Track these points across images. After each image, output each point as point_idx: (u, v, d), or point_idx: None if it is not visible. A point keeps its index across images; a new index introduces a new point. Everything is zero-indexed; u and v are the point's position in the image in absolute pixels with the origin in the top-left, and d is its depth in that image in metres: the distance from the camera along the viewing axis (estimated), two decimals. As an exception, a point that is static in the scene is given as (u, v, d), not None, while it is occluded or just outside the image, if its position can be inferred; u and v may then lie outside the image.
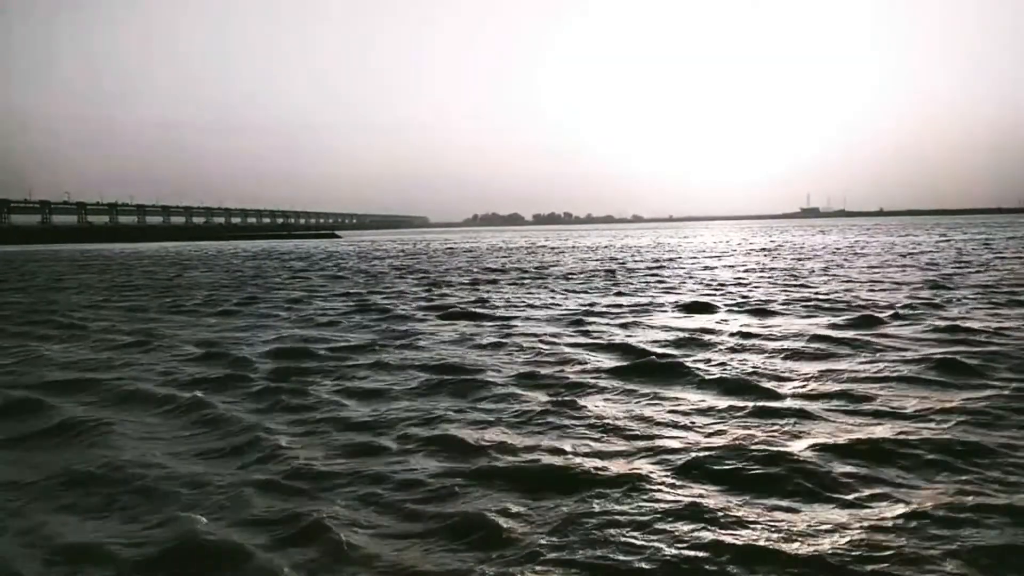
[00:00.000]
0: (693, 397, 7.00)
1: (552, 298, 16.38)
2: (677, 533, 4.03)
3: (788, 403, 6.59)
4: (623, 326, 11.64)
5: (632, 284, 19.49)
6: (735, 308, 13.54)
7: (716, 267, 25.78)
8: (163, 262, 41.61)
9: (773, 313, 12.73)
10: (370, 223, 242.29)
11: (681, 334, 10.56)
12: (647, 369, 8.20)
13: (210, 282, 24.42)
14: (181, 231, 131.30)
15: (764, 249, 39.10)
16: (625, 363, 8.54)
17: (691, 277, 21.46)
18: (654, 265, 27.71)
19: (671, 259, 31.92)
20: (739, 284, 18.63)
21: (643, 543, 3.93)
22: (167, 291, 21.18)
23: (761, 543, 3.88)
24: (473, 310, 14.27)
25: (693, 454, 5.29)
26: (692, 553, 3.80)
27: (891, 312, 12.12)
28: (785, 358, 8.69)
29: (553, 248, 49.41)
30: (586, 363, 8.67)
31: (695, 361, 8.59)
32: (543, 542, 4.00)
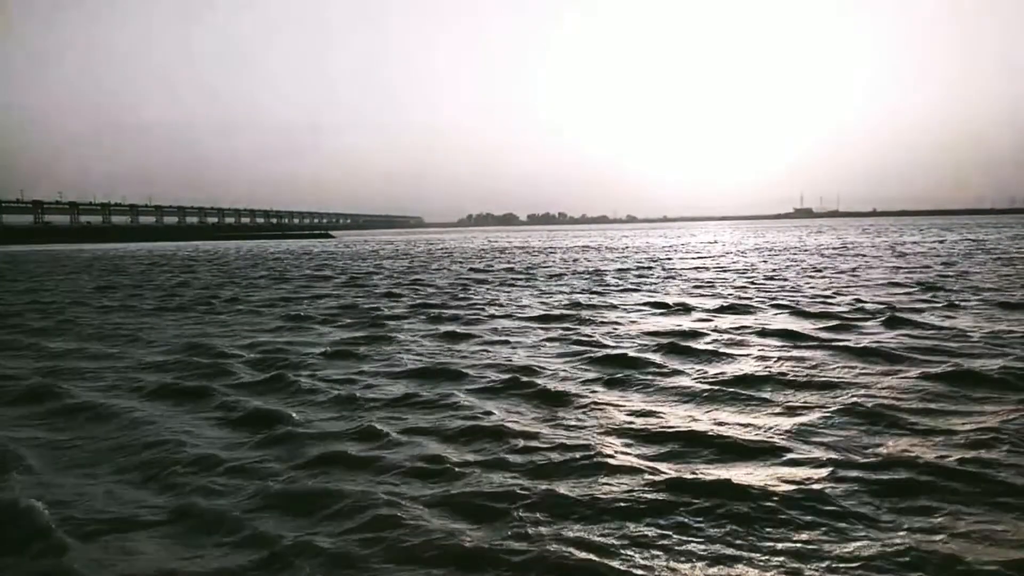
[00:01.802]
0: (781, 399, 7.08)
1: (582, 299, 16.40)
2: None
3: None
4: (670, 325, 11.72)
5: (656, 284, 19.57)
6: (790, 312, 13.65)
7: (751, 269, 25.88)
8: (168, 263, 41.31)
9: (826, 315, 12.85)
10: (364, 223, 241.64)
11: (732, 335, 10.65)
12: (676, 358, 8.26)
13: (226, 283, 24.32)
14: (174, 231, 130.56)
15: (771, 249, 39.26)
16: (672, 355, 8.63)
17: (748, 281, 21.52)
18: (668, 266, 27.81)
19: (677, 259, 32.03)
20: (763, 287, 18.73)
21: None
22: (170, 295, 21.05)
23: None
24: (499, 312, 14.33)
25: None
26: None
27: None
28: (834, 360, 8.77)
29: (551, 250, 49.33)
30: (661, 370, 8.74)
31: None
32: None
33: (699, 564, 3.79)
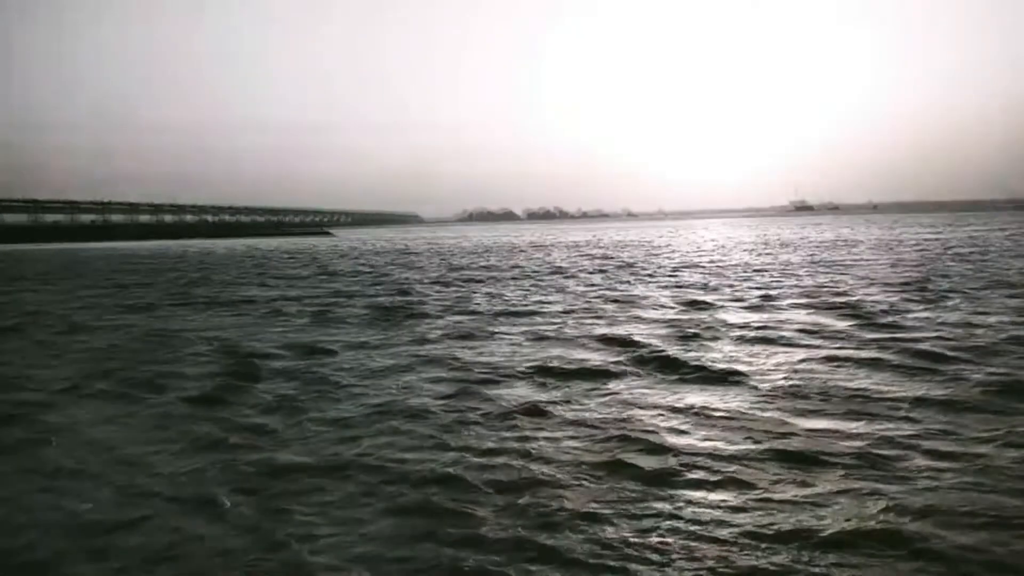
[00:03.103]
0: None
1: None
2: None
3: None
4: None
5: (666, 282, 19.56)
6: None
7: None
8: (172, 262, 41.25)
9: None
10: (363, 221, 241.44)
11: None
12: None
13: (234, 282, 24.27)
14: (174, 229, 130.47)
15: (774, 245, 39.22)
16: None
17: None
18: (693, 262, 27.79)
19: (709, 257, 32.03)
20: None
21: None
22: (182, 293, 20.97)
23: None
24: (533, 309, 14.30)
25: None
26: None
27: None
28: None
29: (555, 246, 49.26)
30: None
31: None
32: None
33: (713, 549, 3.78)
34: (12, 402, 7.71)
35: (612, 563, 3.83)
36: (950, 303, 12.99)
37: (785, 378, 7.63)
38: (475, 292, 17.97)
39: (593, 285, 18.96)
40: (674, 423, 6.21)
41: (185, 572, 3.93)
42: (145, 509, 4.74)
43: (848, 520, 4.19)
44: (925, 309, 12.29)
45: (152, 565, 4.01)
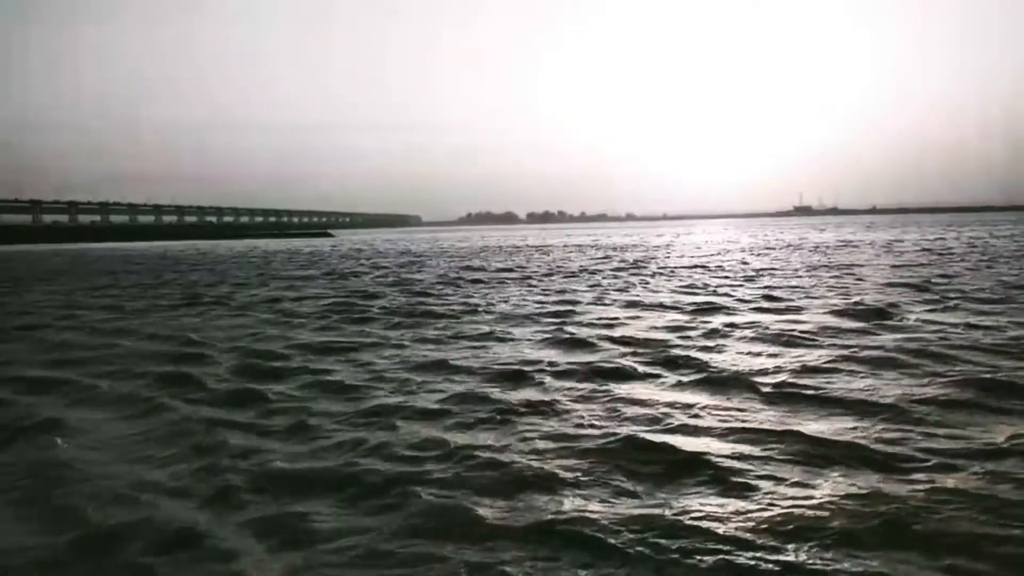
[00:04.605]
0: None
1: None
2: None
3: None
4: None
5: (674, 283, 19.54)
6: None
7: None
8: (175, 262, 41.24)
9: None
10: (363, 222, 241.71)
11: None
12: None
13: (243, 282, 24.27)
14: (174, 230, 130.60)
15: (779, 247, 39.20)
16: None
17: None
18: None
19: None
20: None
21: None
22: (189, 291, 20.96)
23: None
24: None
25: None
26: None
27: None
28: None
29: (559, 247, 49.22)
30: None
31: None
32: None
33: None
34: (15, 403, 7.70)
35: (612, 563, 3.81)
36: (951, 304, 12.94)
37: (786, 378, 7.59)
38: (473, 294, 17.94)
39: (593, 286, 18.93)
40: (674, 423, 6.18)
41: (185, 572, 3.91)
42: (145, 510, 4.72)
43: (848, 520, 4.16)
44: (926, 310, 12.26)
45: (152, 565, 3.99)
